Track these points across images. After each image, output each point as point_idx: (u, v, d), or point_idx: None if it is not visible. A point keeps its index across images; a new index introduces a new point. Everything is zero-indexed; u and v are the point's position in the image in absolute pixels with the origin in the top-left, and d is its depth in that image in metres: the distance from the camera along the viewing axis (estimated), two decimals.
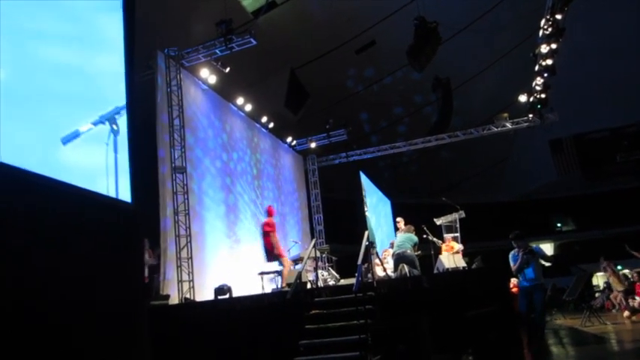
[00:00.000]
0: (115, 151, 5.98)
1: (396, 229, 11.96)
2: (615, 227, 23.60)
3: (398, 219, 12.20)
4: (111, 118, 5.92)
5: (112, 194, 6.02)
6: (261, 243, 10.31)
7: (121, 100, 6.26)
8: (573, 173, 25.46)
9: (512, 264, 8.31)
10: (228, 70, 11.79)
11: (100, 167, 5.88)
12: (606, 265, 13.04)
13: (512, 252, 8.41)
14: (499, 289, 7.82)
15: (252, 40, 10.82)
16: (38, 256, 5.25)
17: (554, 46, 13.83)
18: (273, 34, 13.11)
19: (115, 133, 5.96)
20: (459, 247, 11.93)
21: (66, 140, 5.33)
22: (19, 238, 5.06)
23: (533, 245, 8.10)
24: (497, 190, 26.76)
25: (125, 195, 7.11)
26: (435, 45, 12.14)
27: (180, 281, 9.68)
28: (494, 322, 6.83)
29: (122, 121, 6.10)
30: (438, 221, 12.64)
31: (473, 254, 12.43)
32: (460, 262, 10.34)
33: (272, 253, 10.07)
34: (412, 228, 10.61)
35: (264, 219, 10.38)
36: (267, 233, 10.15)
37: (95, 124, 5.72)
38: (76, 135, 5.42)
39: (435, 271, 10.72)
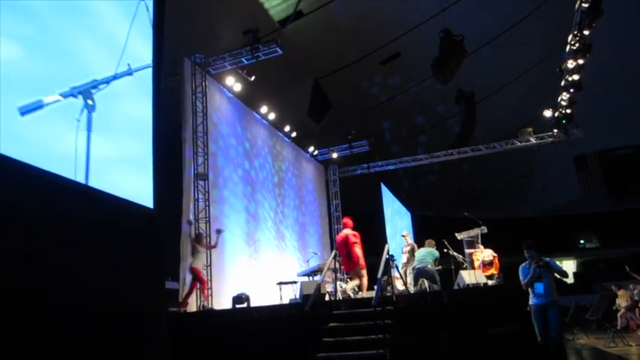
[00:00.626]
0: (89, 129, 5.20)
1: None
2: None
3: (404, 232, 12.08)
4: (85, 92, 5.16)
5: (81, 180, 5.37)
6: (346, 253, 10.00)
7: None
8: (597, 190, 25.06)
9: (521, 278, 7.53)
10: (253, 78, 11.86)
11: (66, 148, 5.12)
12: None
13: (523, 264, 7.63)
14: (521, 307, 7.68)
15: (278, 49, 10.89)
16: (57, 260, 5.29)
17: (581, 61, 13.66)
18: (299, 44, 13.15)
19: (90, 109, 5.19)
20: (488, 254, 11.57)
21: (25, 110, 4.50)
22: (38, 242, 5.10)
23: (547, 258, 7.60)
24: (520, 206, 26.45)
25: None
26: (460, 58, 12.07)
27: (198, 289, 9.70)
28: (516, 341, 6.70)
29: (101, 97, 5.39)
30: (460, 236, 12.50)
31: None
32: (481, 278, 10.20)
33: (356, 264, 9.88)
34: (433, 242, 10.51)
35: (348, 231, 10.24)
36: (354, 244, 9.99)
37: (65, 96, 4.95)
38: (38, 106, 4.62)
39: (456, 287, 10.59)
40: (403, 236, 12.25)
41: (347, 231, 10.22)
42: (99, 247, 5.94)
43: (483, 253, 11.64)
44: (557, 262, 7.44)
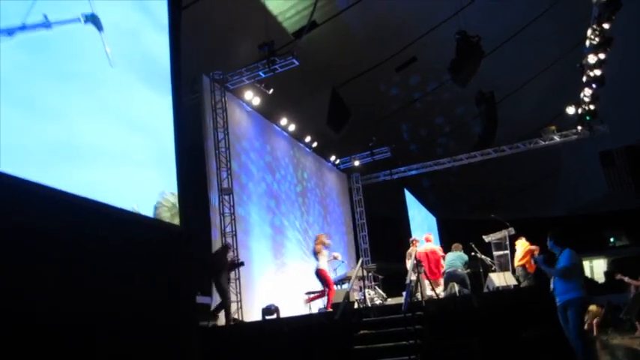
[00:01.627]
0: None
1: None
2: None
3: (411, 238, 11.87)
4: None
5: None
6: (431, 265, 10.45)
7: None
8: (625, 186, 24.56)
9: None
10: (271, 91, 11.95)
11: None
12: None
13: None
14: (553, 309, 7.55)
15: (294, 60, 10.97)
16: (88, 280, 5.40)
17: (602, 56, 13.47)
18: (314, 53, 13.20)
19: None
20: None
21: None
22: (70, 263, 5.22)
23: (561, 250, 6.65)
24: (547, 205, 26.03)
25: None
26: (478, 59, 11.99)
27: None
28: (549, 344, 6.59)
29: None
30: (487, 238, 12.34)
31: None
32: (511, 280, 10.08)
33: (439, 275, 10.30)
34: (460, 246, 10.44)
35: (431, 245, 10.76)
36: (441, 257, 10.51)
37: None
38: None
39: (485, 290, 10.48)
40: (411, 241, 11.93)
41: (431, 245, 10.93)
42: (131, 265, 6.05)
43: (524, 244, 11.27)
44: (569, 259, 6.37)
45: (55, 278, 4.97)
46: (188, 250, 7.45)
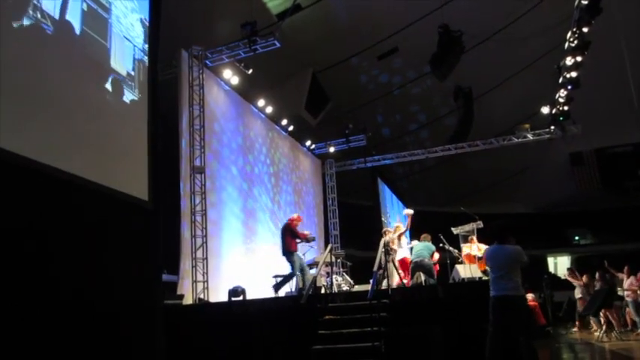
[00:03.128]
0: None
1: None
2: (636, 242, 23.28)
3: (384, 229, 11.91)
4: None
5: None
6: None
7: None
8: (593, 187, 25.15)
9: None
10: (250, 71, 11.84)
11: None
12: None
13: None
14: None
15: (276, 42, 10.86)
16: (49, 253, 5.31)
17: (579, 58, 13.68)
18: (297, 37, 13.12)
19: None
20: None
21: None
22: (28, 234, 5.11)
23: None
24: (516, 201, 26.51)
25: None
26: (458, 54, 12.06)
27: (194, 281, 9.71)
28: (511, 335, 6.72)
29: None
30: (456, 230, 12.52)
31: None
32: (476, 273, 10.24)
33: None
34: (429, 237, 10.54)
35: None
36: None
37: None
38: None
39: (451, 281, 10.63)
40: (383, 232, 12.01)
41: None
42: (93, 240, 5.96)
43: (472, 247, 11.59)
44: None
45: (11, 251, 4.83)
46: (156, 226, 7.38)
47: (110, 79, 6.81)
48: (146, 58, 7.76)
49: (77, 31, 6.24)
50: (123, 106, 7.12)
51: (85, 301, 5.58)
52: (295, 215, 10.51)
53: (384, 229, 11.79)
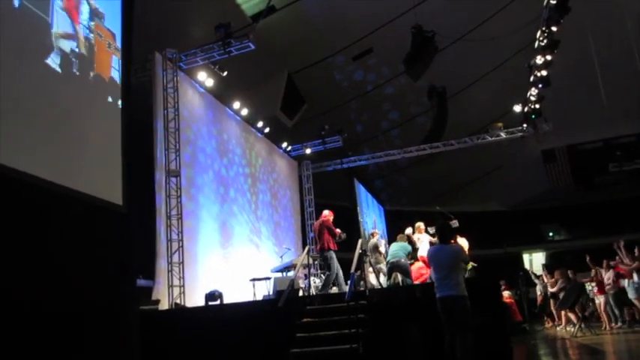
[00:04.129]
0: None
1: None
2: (608, 236, 23.72)
3: (372, 230, 11.89)
4: None
5: None
6: None
7: None
8: (566, 183, 25.55)
9: None
10: (225, 73, 11.78)
11: None
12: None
13: None
14: (492, 300, 7.79)
15: (250, 44, 10.83)
16: (21, 258, 5.21)
17: (549, 57, 13.94)
18: (271, 38, 13.07)
19: None
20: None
21: None
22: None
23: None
24: (491, 199, 26.82)
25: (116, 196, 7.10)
26: (432, 54, 12.17)
27: (170, 286, 9.61)
28: (487, 334, 6.80)
29: None
30: (432, 230, 12.61)
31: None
32: None
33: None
34: (405, 237, 10.59)
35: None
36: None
37: None
38: None
39: (429, 280, 10.69)
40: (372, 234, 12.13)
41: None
42: (66, 245, 5.86)
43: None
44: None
45: None
46: (129, 230, 7.29)
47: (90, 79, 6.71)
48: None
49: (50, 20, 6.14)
50: (96, 109, 7.02)
51: (55, 307, 5.49)
52: (327, 212, 10.00)
53: (372, 230, 11.80)
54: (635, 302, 11.42)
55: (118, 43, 7.72)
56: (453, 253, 6.16)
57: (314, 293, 9.86)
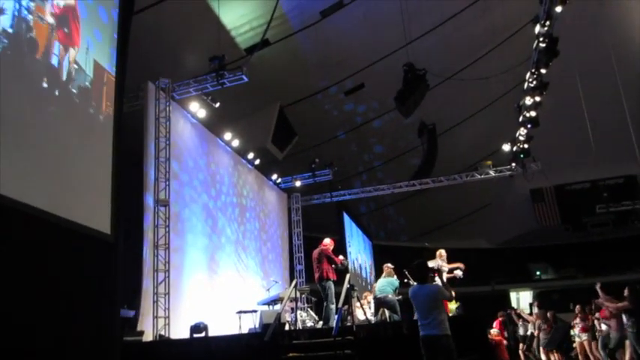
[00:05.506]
0: None
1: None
2: (595, 277, 23.77)
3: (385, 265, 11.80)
4: None
5: None
6: None
7: None
8: (553, 222, 25.72)
9: None
10: (218, 105, 11.85)
11: None
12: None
13: None
14: (479, 338, 7.74)
15: (243, 77, 10.91)
16: (6, 287, 5.12)
17: (538, 98, 14.18)
18: (264, 71, 13.22)
19: None
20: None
21: None
22: None
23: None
24: (479, 237, 26.87)
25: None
26: (423, 91, 12.34)
27: (155, 317, 9.46)
28: None
29: None
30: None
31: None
32: None
33: None
34: (392, 271, 10.55)
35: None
36: None
37: None
38: None
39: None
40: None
41: None
42: (50, 273, 5.77)
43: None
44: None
45: None
46: (116, 260, 7.20)
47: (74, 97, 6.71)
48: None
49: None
50: (86, 136, 7.00)
51: (37, 336, 5.37)
52: (327, 240, 9.76)
53: (385, 265, 11.57)
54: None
55: (112, 72, 7.76)
56: (431, 292, 6.05)
57: (300, 327, 9.75)
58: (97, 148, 7.18)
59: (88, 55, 7.05)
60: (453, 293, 7.43)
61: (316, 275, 9.29)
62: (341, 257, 9.49)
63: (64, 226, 6.07)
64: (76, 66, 6.75)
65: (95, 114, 7.18)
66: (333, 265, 9.22)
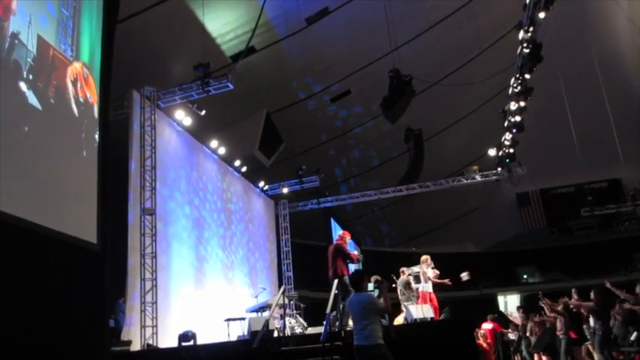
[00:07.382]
0: None
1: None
2: (581, 279, 23.97)
3: (401, 269, 11.78)
4: None
5: None
6: None
7: None
8: (540, 226, 25.94)
9: None
10: (203, 112, 11.81)
11: None
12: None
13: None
14: (466, 342, 7.76)
15: (229, 84, 10.88)
16: None
17: (522, 103, 14.32)
18: (250, 78, 13.23)
19: None
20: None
21: None
22: None
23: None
24: (466, 241, 27.00)
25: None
26: (409, 97, 12.39)
27: (143, 326, 9.39)
28: None
29: None
30: (407, 271, 12.60)
31: (442, 304, 12.37)
32: (429, 313, 10.27)
33: None
34: (379, 278, 10.54)
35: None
36: None
37: None
38: None
39: (404, 322, 10.63)
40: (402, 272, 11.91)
41: None
42: (37, 283, 5.72)
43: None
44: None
45: None
46: (103, 269, 7.15)
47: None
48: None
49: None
50: (72, 146, 6.96)
51: (24, 346, 5.32)
52: (341, 232, 9.53)
53: (401, 269, 11.51)
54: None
55: (97, 80, 7.73)
56: (363, 301, 5.92)
57: (289, 333, 9.72)
58: (83, 157, 7.15)
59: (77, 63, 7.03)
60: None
61: (330, 272, 8.96)
62: (356, 252, 9.25)
63: (50, 236, 6.03)
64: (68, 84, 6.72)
65: (81, 125, 7.15)
66: (347, 261, 8.96)
